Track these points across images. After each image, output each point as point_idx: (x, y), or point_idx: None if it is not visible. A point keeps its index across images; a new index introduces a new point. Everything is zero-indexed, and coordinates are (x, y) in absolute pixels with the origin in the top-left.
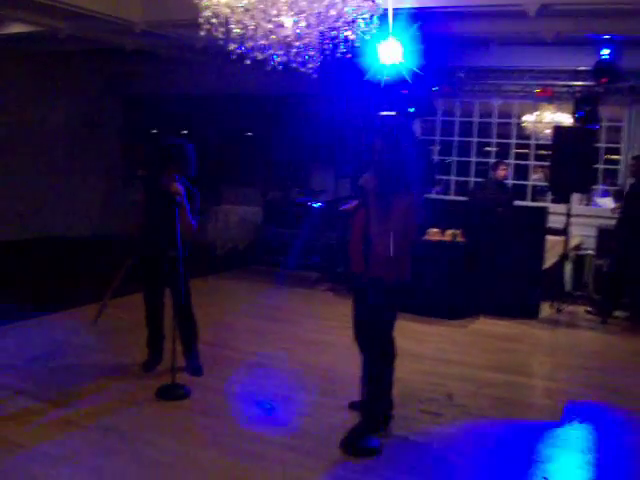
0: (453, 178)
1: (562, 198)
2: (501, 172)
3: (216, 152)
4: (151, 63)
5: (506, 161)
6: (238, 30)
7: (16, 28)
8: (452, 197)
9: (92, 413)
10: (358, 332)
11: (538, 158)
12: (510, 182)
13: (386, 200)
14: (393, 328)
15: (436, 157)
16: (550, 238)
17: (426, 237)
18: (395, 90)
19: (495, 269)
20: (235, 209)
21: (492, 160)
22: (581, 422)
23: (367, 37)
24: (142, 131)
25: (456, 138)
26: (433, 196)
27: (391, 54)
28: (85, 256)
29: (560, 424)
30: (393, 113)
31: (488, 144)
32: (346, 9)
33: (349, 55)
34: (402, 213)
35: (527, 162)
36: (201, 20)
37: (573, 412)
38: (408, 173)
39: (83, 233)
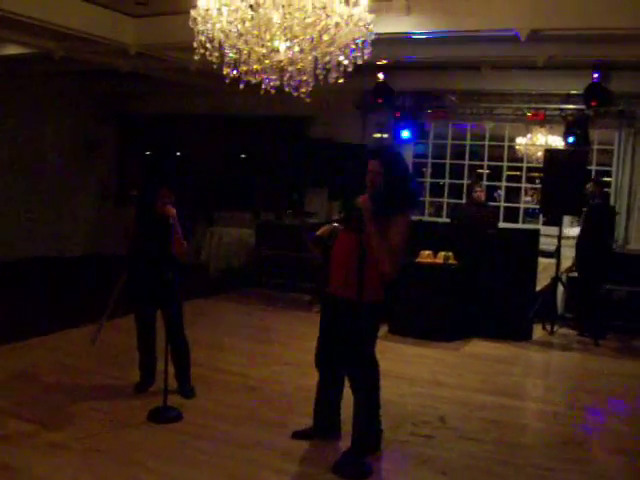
0: (445, 200)
1: (553, 220)
2: (477, 194)
3: (209, 173)
4: (146, 84)
5: (497, 183)
6: (232, 54)
7: (11, 50)
8: (444, 219)
9: (84, 435)
10: (333, 356)
11: (530, 180)
12: (494, 204)
13: (383, 221)
14: (374, 349)
15: (428, 180)
16: (542, 260)
17: (418, 259)
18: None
19: (488, 291)
20: (228, 231)
21: (485, 182)
22: (574, 445)
23: (359, 62)
24: (136, 151)
25: (448, 161)
26: (426, 218)
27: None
28: (78, 276)
29: (553, 447)
30: (385, 136)
31: (480, 166)
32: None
33: (342, 80)
34: (398, 233)
35: (519, 184)
36: (195, 44)
37: (566, 435)
38: (400, 195)
39: (76, 253)
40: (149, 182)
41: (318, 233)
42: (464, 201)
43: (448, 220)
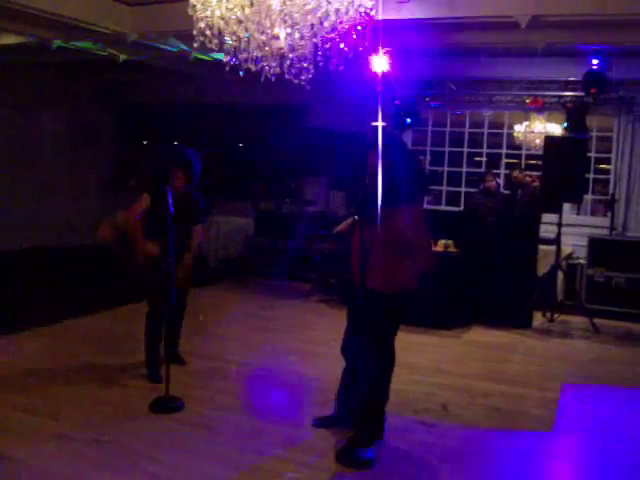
0: (444, 188)
1: (553, 208)
2: (489, 182)
3: (207, 162)
4: (144, 73)
5: (495, 171)
6: (232, 42)
7: (7, 39)
8: (444, 207)
9: (87, 426)
10: (352, 345)
11: (528, 168)
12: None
13: (379, 211)
14: (394, 339)
15: (427, 167)
16: (542, 248)
17: None
18: (387, 101)
19: (487, 279)
20: (227, 220)
21: (483, 170)
22: (575, 432)
23: (360, 49)
24: (134, 141)
25: (447, 149)
26: (425, 206)
27: (381, 66)
28: (77, 266)
29: (554, 434)
30: (384, 124)
31: (479, 154)
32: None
33: (342, 67)
34: (395, 223)
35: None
36: (195, 32)
37: (567, 421)
38: (401, 184)
39: (75, 243)
40: (164, 165)
41: (337, 229)
42: (463, 188)
43: (447, 208)
